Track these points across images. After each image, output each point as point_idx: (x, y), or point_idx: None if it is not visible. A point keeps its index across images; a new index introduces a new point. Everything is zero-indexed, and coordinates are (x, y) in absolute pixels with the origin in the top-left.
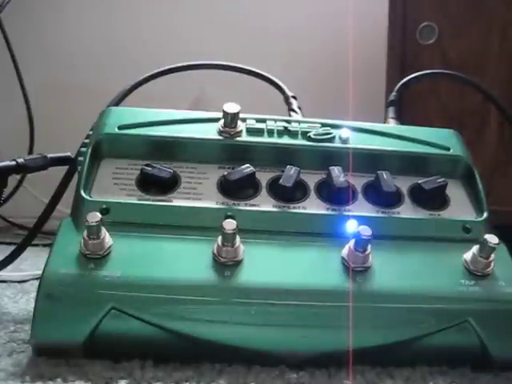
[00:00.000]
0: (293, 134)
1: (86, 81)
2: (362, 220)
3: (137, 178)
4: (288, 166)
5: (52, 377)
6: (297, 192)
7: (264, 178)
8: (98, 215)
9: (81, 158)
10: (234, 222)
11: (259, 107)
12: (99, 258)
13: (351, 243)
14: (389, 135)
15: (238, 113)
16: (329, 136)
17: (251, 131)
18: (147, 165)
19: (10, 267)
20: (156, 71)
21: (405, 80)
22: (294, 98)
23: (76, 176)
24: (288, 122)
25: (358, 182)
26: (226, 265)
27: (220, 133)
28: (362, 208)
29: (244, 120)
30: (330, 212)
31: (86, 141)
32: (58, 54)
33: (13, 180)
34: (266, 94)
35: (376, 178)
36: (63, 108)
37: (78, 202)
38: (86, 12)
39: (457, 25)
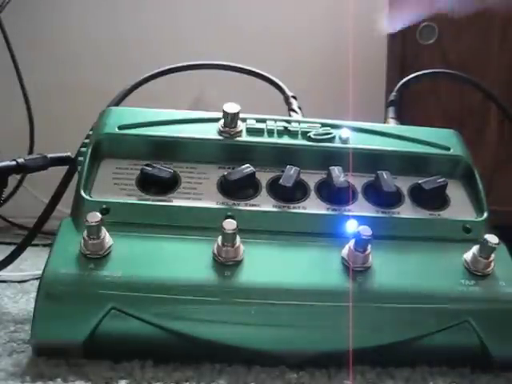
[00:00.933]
0: (293, 134)
1: (87, 81)
2: (362, 220)
3: (137, 177)
4: (288, 166)
5: (52, 377)
6: (297, 192)
7: (264, 177)
8: (98, 215)
9: (81, 158)
10: (234, 222)
11: (259, 107)
12: (99, 257)
13: (351, 243)
14: (389, 135)
15: (237, 113)
16: (329, 136)
17: (251, 131)
18: (147, 165)
19: (9, 267)
20: (156, 71)
21: (405, 80)
22: (294, 97)
23: (76, 176)
24: (288, 121)
25: (358, 181)
26: (225, 265)
27: (220, 133)
28: (362, 208)
29: (244, 120)
30: (330, 212)
31: (86, 141)
32: (58, 54)
33: (13, 180)
34: (265, 94)
35: (376, 178)
36: (63, 108)
37: (78, 202)
38: (86, 12)
39: (457, 25)
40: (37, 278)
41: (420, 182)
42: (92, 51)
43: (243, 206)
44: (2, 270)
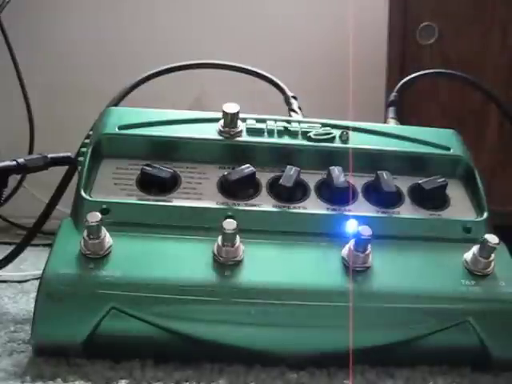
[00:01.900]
0: (293, 134)
1: (86, 81)
2: (362, 220)
3: (137, 177)
4: (288, 166)
5: (52, 377)
6: (297, 192)
7: (264, 177)
8: (98, 215)
9: (81, 158)
10: (234, 221)
11: (259, 107)
12: (99, 257)
13: (351, 243)
14: (389, 135)
15: (237, 113)
16: (329, 136)
17: (251, 131)
18: (147, 165)
19: (9, 267)
20: (156, 71)
21: (405, 80)
22: (295, 98)
23: (76, 176)
24: (288, 122)
25: (358, 182)
26: (226, 265)
27: (220, 133)
28: (361, 208)
29: (244, 120)
30: (330, 212)
31: (86, 141)
32: (58, 55)
33: (13, 180)
34: (266, 94)
35: (376, 178)
36: (63, 108)
37: (78, 202)
38: (86, 12)
39: (457, 25)
40: (37, 278)
41: (420, 182)
42: (92, 51)
43: (243, 206)
44: (2, 270)
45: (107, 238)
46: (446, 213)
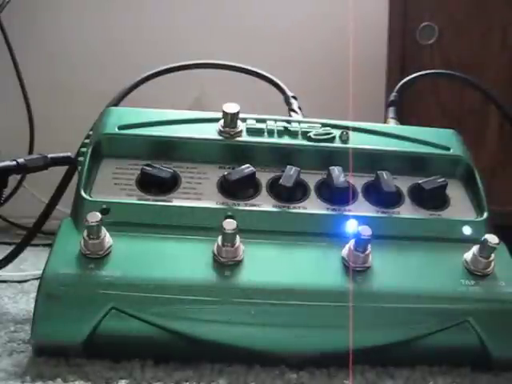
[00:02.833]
0: (293, 134)
1: (86, 81)
2: (362, 220)
3: (137, 177)
4: (288, 166)
5: (52, 377)
6: (297, 192)
7: (264, 177)
8: (98, 215)
9: (81, 158)
10: (234, 221)
11: (259, 107)
12: (99, 257)
13: (351, 243)
14: (389, 135)
15: (237, 113)
16: (329, 136)
17: (251, 131)
18: (147, 165)
19: (9, 267)
20: (156, 71)
21: (405, 80)
22: (295, 98)
23: (76, 176)
24: (288, 122)
25: (358, 182)
26: (226, 265)
27: (220, 133)
28: (361, 208)
29: (244, 120)
30: (330, 212)
31: (86, 141)
32: (58, 54)
33: (13, 180)
34: (266, 94)
35: (376, 178)
36: (63, 108)
37: (77, 202)
38: (86, 12)
39: (457, 25)
40: (37, 278)
41: (420, 182)
42: (92, 51)
43: (243, 206)
44: (2, 270)
45: (107, 237)
46: (446, 213)
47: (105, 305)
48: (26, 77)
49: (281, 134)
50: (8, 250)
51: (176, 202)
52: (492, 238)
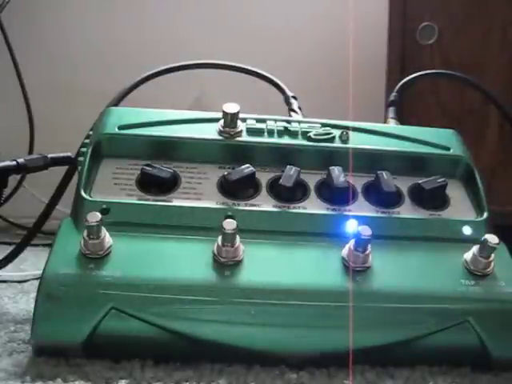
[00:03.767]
0: (293, 134)
1: (86, 81)
2: (362, 220)
3: (137, 177)
4: (288, 166)
5: (52, 377)
6: (297, 192)
7: (264, 177)
8: (98, 215)
9: (81, 158)
10: (234, 221)
11: (259, 107)
12: (99, 257)
13: (351, 243)
14: (389, 135)
15: (237, 113)
16: (329, 136)
17: (251, 131)
18: (147, 165)
19: (9, 267)
20: (156, 71)
21: (405, 80)
22: (295, 98)
23: (76, 176)
24: (288, 122)
25: (358, 182)
26: (226, 265)
27: (220, 133)
28: (362, 208)
29: (244, 120)
30: (330, 212)
31: (86, 141)
32: (58, 54)
33: (13, 180)
34: (266, 94)
35: (376, 178)
36: (63, 108)
37: (77, 202)
38: (86, 12)
39: (457, 25)
40: (37, 278)
41: (420, 181)
42: (92, 51)
43: (243, 206)
44: (2, 270)
45: (107, 237)
46: (446, 213)
47: (105, 305)
48: (26, 77)
49: (281, 133)
50: (8, 250)
51: (176, 202)
52: (492, 238)
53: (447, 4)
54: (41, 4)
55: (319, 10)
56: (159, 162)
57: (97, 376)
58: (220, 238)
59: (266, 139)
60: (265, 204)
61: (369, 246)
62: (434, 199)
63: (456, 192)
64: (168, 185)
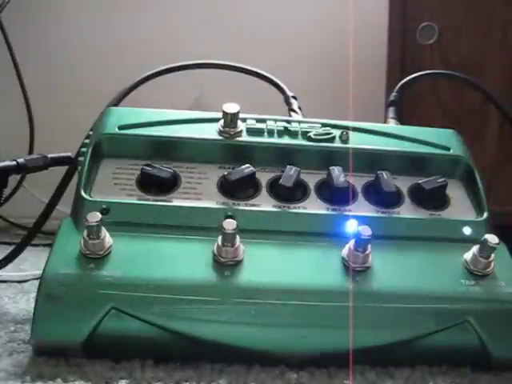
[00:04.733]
0: (293, 134)
1: (86, 81)
2: (362, 220)
3: (137, 178)
4: (288, 166)
5: (52, 377)
6: (297, 192)
7: (264, 177)
8: (98, 215)
9: (81, 158)
10: (234, 221)
11: (259, 107)
12: (99, 257)
13: (351, 243)
14: (389, 135)
15: (237, 113)
16: (329, 136)
17: (251, 131)
18: (147, 165)
19: (9, 267)
20: (156, 71)
21: (405, 80)
22: (295, 98)
23: (76, 176)
24: (288, 122)
25: (358, 182)
26: (226, 265)
27: (220, 133)
28: (361, 208)
29: (244, 120)
30: (330, 212)
31: (86, 141)
32: (58, 54)
33: (13, 180)
34: (266, 94)
35: (376, 178)
36: (63, 108)
37: (77, 202)
38: (85, 12)
39: (457, 25)
40: (37, 278)
41: (420, 181)
42: (92, 51)
43: (243, 206)
44: (2, 270)
45: (107, 238)
46: (446, 213)
47: (105, 305)
48: (26, 77)
49: (281, 134)
50: (8, 250)
51: (176, 202)
52: (492, 238)
53: (447, 4)
54: (41, 4)
55: (319, 10)
56: (159, 162)
57: (97, 376)
58: (220, 238)
59: (266, 139)
60: (265, 204)
61: (369, 246)
62: (434, 199)
63: (456, 192)
64: (168, 185)
